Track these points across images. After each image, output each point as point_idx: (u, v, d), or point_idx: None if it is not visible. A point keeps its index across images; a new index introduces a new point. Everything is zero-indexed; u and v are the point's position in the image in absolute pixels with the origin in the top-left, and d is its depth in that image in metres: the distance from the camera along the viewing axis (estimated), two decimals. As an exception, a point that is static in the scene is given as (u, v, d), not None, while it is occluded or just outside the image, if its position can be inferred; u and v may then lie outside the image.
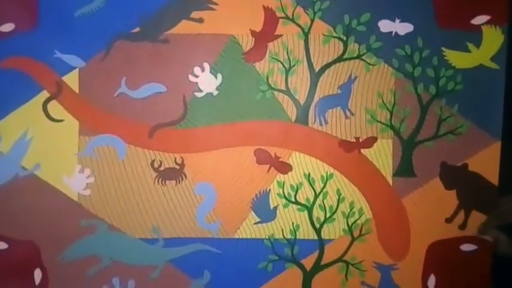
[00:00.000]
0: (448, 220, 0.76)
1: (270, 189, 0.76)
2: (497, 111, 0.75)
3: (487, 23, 0.74)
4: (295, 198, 0.77)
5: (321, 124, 0.76)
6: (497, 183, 0.75)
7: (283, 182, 0.76)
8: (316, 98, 0.76)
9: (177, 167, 0.77)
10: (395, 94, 0.75)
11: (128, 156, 0.77)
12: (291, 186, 0.76)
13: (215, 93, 0.76)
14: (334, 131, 0.76)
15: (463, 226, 0.76)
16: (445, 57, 0.75)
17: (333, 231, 0.76)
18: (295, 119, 0.76)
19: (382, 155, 0.76)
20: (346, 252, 0.76)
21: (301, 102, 0.76)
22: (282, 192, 0.77)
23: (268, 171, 0.76)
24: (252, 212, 0.77)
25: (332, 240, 0.76)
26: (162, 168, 0.77)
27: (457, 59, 0.75)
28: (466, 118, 0.75)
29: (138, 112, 0.76)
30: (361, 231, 0.76)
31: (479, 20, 0.74)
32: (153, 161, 0.77)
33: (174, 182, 0.77)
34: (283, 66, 0.76)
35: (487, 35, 0.74)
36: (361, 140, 0.76)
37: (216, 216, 0.77)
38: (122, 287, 0.78)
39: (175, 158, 0.77)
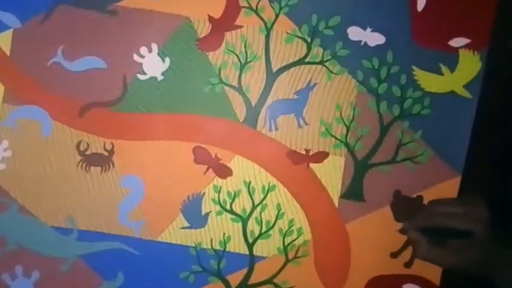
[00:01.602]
0: (394, 255, 0.71)
1: (204, 193, 0.71)
2: (463, 144, 0.72)
3: (465, 46, 0.71)
4: (231, 207, 0.71)
5: (270, 129, 0.71)
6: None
7: (220, 187, 0.71)
8: (269, 100, 0.71)
9: (106, 153, 0.71)
10: (355, 109, 0.71)
11: (52, 133, 0.71)
12: (228, 192, 0.71)
13: (160, 78, 0.71)
14: (283, 139, 0.71)
15: (408, 264, 0.71)
16: (415, 77, 0.70)
17: (267, 248, 0.72)
18: (244, 120, 0.71)
19: (332, 173, 0.71)
20: (277, 273, 0.72)
21: (253, 103, 0.71)
22: (217, 198, 0.71)
23: (205, 172, 0.71)
24: (181, 215, 0.71)
25: (264, 258, 0.72)
26: (88, 152, 0.71)
27: (428, 80, 0.71)
28: (428, 146, 0.72)
29: (72, 86, 0.71)
30: (297, 253, 0.72)
31: (457, 42, 0.71)
32: (79, 143, 0.71)
33: (99, 169, 0.71)
34: (239, 60, 0.71)
35: (463, 59, 0.70)
36: (311, 153, 0.71)
37: (141, 214, 0.71)
38: (24, 277, 0.71)
39: (104, 143, 0.71)
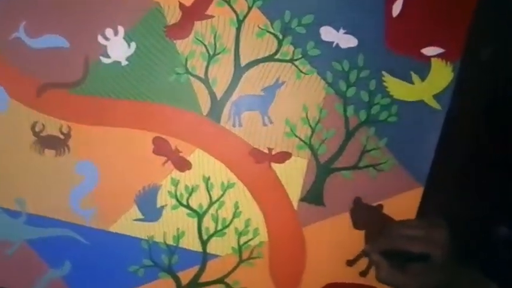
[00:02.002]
0: (350, 263, 0.70)
1: (161, 185, 0.70)
2: (427, 156, 0.71)
3: (438, 56, 0.70)
4: (187, 202, 0.70)
5: (234, 125, 0.70)
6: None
7: (178, 181, 0.70)
8: (235, 95, 0.69)
9: (62, 136, 0.69)
10: (321, 111, 0.69)
11: (7, 111, 0.69)
12: (186, 187, 0.70)
13: (124, 63, 0.69)
14: (247, 136, 0.70)
15: (364, 273, 0.71)
16: (384, 83, 0.69)
17: (221, 247, 0.71)
18: (207, 113, 0.70)
19: (293, 175, 0.70)
20: (230, 273, 0.70)
21: (218, 96, 0.69)
22: (174, 192, 0.70)
23: (164, 164, 0.70)
24: (135, 206, 0.70)
25: (217, 257, 0.70)
26: (43, 134, 0.69)
27: (397, 88, 0.70)
28: (392, 155, 0.71)
29: (31, 64, 0.69)
30: (251, 253, 0.71)
31: (430, 51, 0.70)
32: (35, 123, 0.69)
33: (53, 152, 0.69)
34: (207, 51, 0.69)
35: (435, 69, 0.70)
36: (273, 153, 0.70)
37: (93, 202, 0.70)
38: (-33, 258, 0.69)
39: (61, 126, 0.69)
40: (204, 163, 0.71)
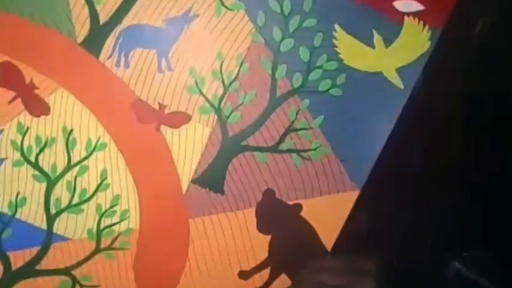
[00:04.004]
0: (244, 275, 0.55)
1: (2, 130, 0.52)
2: (373, 150, 0.56)
3: (415, 15, 0.55)
4: (36, 159, 0.55)
5: (117, 64, 0.54)
6: (331, 246, 0.53)
7: (28, 128, 0.53)
8: (125, 23, 0.54)
9: None
10: (242, 65, 0.54)
11: None
12: (37, 138, 0.54)
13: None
14: (132, 83, 0.55)
15: (262, 290, 0.55)
16: (335, 41, 0.55)
17: (74, 227, 0.57)
18: (83, 41, 0.54)
19: (189, 147, 0.57)
20: (80, 264, 0.57)
21: (101, 19, 0.53)
22: (19, 142, 0.54)
23: (10, 102, 0.53)
24: (-39, 154, 0.53)
25: (66, 240, 0.57)
26: None
27: (351, 50, 0.56)
28: (327, 140, 0.57)
29: None
30: (114, 242, 0.58)
31: (405, 5, 0.55)
32: None
33: None
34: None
35: (407, 32, 0.56)
36: (166, 112, 0.53)
37: None
38: None
39: None
40: (67, 109, 0.55)
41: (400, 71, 0.55)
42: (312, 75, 0.55)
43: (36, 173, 0.55)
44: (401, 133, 0.55)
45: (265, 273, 0.57)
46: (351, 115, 0.56)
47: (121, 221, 0.56)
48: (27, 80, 0.53)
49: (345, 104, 0.55)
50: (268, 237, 0.56)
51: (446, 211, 0.55)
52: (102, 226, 0.56)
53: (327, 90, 0.55)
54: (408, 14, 0.54)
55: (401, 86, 0.55)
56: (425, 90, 0.55)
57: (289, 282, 0.54)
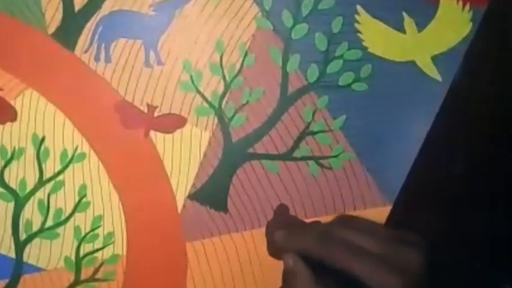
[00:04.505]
0: None
1: (-40, 140, 0.44)
2: (407, 157, 0.48)
3: None
4: (2, 174, 0.45)
5: (97, 59, 0.48)
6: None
7: None
8: (105, 8, 0.47)
9: None
10: (246, 56, 0.46)
11: None
12: (2, 148, 0.47)
13: None
14: (115, 81, 0.48)
15: (277, 325, 0.46)
16: (357, 25, 0.47)
17: (47, 254, 0.50)
18: (55, 32, 0.47)
19: (184, 156, 0.49)
20: None
21: (77, 6, 0.48)
22: None
23: None
24: None
25: (40, 271, 0.48)
26: None
27: (377, 36, 0.49)
28: (351, 146, 0.49)
29: None
30: (97, 272, 0.50)
31: None
32: None
33: None
34: None
35: (444, 13, 0.51)
36: (156, 114, 0.45)
37: None
38: None
39: None
40: (37, 114, 0.47)
41: (436, 59, 0.48)
42: (331, 67, 0.47)
43: (2, 190, 0.47)
44: (441, 135, 0.47)
45: (279, 306, 0.50)
46: (379, 114, 0.48)
47: (104, 246, 0.48)
48: (-11, 80, 0.47)
49: (371, 101, 0.48)
50: (282, 262, 0.49)
51: (496, 229, 0.46)
52: (82, 253, 0.48)
53: (349, 85, 0.48)
54: (445, -8, 0.48)
55: (439, 78, 0.48)
56: (467, 82, 0.47)
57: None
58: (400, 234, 0.38)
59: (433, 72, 0.48)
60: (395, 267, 0.36)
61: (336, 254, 0.36)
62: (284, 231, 0.39)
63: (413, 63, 0.48)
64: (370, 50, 0.47)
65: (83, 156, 0.47)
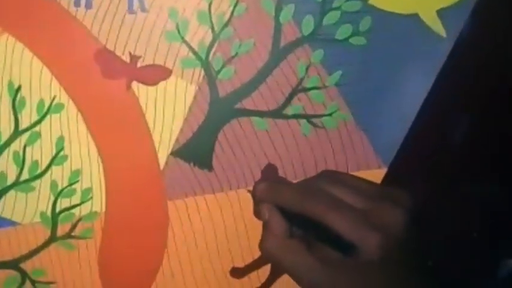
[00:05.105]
0: (237, 273, 0.48)
1: None
2: (404, 114, 0.46)
3: None
4: None
5: (77, 4, 0.46)
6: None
7: None
8: None
9: None
10: (237, 4, 0.45)
11: None
12: None
13: None
14: (96, 28, 0.45)
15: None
16: None
17: (23, 208, 0.47)
18: None
19: (168, 110, 0.46)
20: (31, 255, 0.48)
21: None
22: None
23: None
24: None
25: (14, 225, 0.48)
26: None
27: None
28: (346, 104, 0.47)
29: None
30: (73, 229, 0.47)
31: None
32: None
33: None
34: None
35: None
36: (139, 65, 0.45)
37: None
38: None
39: None
40: (13, 61, 0.45)
41: (442, 13, 0.44)
42: (327, 18, 0.44)
43: (-25, 141, 0.46)
44: (443, 95, 0.44)
45: (265, 271, 0.48)
46: (377, 71, 0.45)
47: (82, 202, 0.46)
48: (-38, 22, 0.45)
49: (370, 57, 0.45)
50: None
51: (497, 198, 0.44)
52: (58, 209, 0.46)
53: (347, 39, 0.44)
54: None
55: (443, 34, 0.45)
56: (474, 39, 0.44)
57: (294, 285, 0.44)
58: (385, 191, 0.37)
59: (437, 27, 0.45)
60: (376, 223, 0.34)
61: (315, 207, 0.35)
62: (265, 183, 0.37)
63: (416, 16, 0.45)
64: (370, 1, 0.44)
65: (60, 106, 0.45)
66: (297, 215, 0.36)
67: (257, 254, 0.47)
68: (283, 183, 0.41)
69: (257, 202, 0.39)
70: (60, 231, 0.46)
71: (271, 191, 0.38)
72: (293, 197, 0.37)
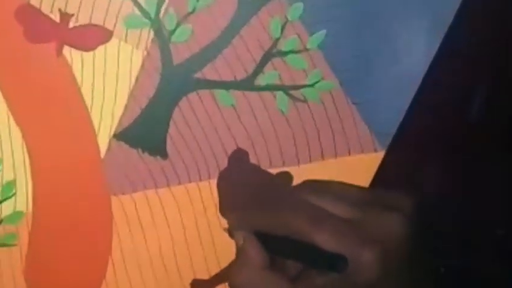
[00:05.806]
0: (200, 285, 0.38)
1: None
2: (404, 85, 0.39)
3: None
4: None
5: None
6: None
7: None
8: None
9: None
10: None
11: None
12: None
13: None
14: None
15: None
16: None
17: None
18: None
19: (109, 82, 0.39)
20: None
21: None
22: None
23: None
24: None
25: None
26: None
27: None
28: (332, 72, 0.41)
29: None
30: None
31: None
32: None
33: None
34: None
35: None
36: (72, 25, 0.38)
37: None
38: None
39: None
40: None
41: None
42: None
43: None
44: (450, 62, 0.38)
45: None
46: (370, 30, 0.39)
47: (2, 200, 0.39)
48: None
49: (361, 12, 0.39)
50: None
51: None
52: (-27, 207, 0.42)
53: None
54: None
55: None
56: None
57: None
58: (378, 196, 0.34)
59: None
60: (370, 235, 0.31)
61: (297, 223, 0.31)
62: (236, 213, 0.34)
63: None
64: None
65: (-26, 79, 0.39)
66: (277, 238, 0.32)
67: (224, 262, 0.42)
68: (255, 210, 0.36)
69: (233, 231, 0.34)
70: (-25, 236, 0.42)
71: (245, 219, 0.33)
72: (268, 219, 0.32)
